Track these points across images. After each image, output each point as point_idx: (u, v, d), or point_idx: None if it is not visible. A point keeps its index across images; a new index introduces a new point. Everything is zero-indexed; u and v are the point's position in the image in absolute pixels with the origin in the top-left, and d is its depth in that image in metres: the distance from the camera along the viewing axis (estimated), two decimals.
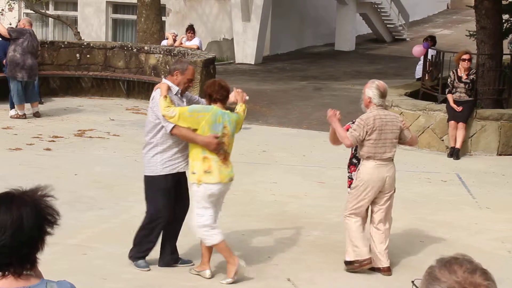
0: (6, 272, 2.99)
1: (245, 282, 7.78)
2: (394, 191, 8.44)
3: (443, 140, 14.33)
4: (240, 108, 8.05)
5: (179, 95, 7.89)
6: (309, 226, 9.59)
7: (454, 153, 13.89)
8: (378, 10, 33.30)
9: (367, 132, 8.04)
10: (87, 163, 12.23)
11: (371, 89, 8.14)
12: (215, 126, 7.64)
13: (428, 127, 14.47)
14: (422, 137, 14.51)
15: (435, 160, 13.70)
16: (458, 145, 13.93)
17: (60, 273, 7.46)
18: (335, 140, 8.42)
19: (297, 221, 9.83)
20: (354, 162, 8.61)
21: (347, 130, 8.24)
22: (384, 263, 8.17)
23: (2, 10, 25.97)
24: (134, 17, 26.24)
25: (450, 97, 14.16)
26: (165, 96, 7.59)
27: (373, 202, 8.31)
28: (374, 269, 8.20)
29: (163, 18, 25.11)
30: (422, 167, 13.06)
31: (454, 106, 14.01)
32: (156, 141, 7.72)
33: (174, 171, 7.81)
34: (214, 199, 7.70)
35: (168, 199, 7.82)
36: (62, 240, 8.57)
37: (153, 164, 7.75)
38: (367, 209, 8.38)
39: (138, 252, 8.01)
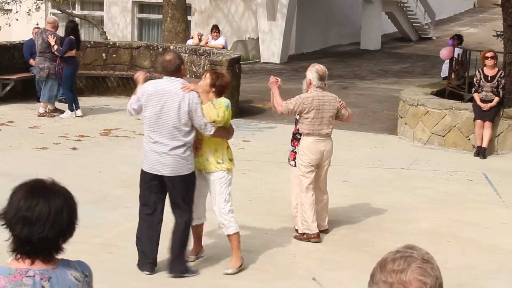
0: (36, 260, 3.06)
1: (270, 281, 7.79)
2: (329, 165, 9.24)
3: (469, 139, 14.25)
4: None
5: None
6: (335, 225, 9.57)
7: (481, 152, 13.80)
8: (404, 8, 33.17)
9: (302, 110, 8.82)
10: (113, 162, 12.29)
11: (311, 72, 9.00)
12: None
13: (454, 126, 14.38)
14: (448, 136, 14.44)
15: (462, 159, 13.62)
16: (484, 144, 13.84)
17: None
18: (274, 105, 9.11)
19: None
20: (298, 137, 9.20)
21: None
22: (324, 225, 9.23)
23: (29, 10, 26.14)
24: (159, 16, 26.32)
25: (476, 96, 14.08)
26: (211, 102, 7.69)
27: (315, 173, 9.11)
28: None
29: (189, 18, 25.17)
30: (448, 166, 12.99)
31: (481, 104, 13.93)
32: (191, 140, 7.71)
33: None
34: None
35: None
36: (88, 239, 8.62)
37: (190, 162, 7.70)
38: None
39: (185, 260, 7.90)
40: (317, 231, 8.92)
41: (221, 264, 8.09)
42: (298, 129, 9.24)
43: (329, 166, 9.26)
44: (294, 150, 9.30)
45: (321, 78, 8.98)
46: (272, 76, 9.10)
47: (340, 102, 9.12)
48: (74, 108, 16.15)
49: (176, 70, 7.69)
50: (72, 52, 15.87)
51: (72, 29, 16.20)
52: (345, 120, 9.44)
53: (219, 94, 7.84)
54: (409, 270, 2.42)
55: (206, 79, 7.85)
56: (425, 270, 2.44)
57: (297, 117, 9.07)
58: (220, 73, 8.03)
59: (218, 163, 7.82)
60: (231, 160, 7.92)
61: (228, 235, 7.92)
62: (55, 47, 15.67)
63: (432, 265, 2.49)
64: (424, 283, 2.42)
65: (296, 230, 9.19)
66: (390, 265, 2.45)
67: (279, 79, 9.03)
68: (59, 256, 3.15)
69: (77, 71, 16.41)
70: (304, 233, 8.99)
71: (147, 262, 7.80)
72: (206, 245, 8.46)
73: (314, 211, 8.96)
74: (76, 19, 28.23)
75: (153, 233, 7.83)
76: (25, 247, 3.05)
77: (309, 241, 8.94)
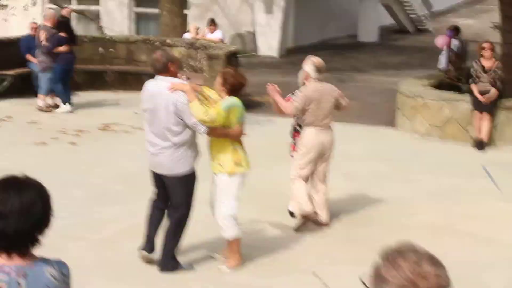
0: (12, 254, 3.07)
1: (270, 275, 7.80)
2: (331, 156, 9.38)
3: (467, 131, 14.24)
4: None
5: None
6: (334, 219, 9.58)
7: (479, 144, 13.81)
8: (401, 0, 33.14)
9: (306, 103, 8.98)
10: (111, 156, 12.29)
11: (308, 65, 9.21)
12: (242, 117, 7.81)
13: (453, 118, 14.38)
14: (446, 128, 14.43)
15: (460, 151, 13.61)
16: (483, 136, 13.85)
17: (87, 268, 7.52)
18: (279, 110, 9.16)
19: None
20: (297, 129, 9.43)
21: (288, 100, 9.18)
22: (323, 219, 9.29)
23: (26, 5, 26.07)
24: (156, 10, 26.27)
25: (474, 88, 14.07)
26: (198, 100, 7.55)
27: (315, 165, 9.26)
28: (317, 223, 9.27)
29: (185, 11, 25.13)
30: (446, 159, 13.00)
31: (479, 96, 13.93)
32: (185, 139, 7.63)
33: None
34: (241, 189, 7.87)
35: None
36: (89, 235, 8.64)
37: (186, 160, 7.65)
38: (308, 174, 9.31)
39: (175, 257, 7.88)
40: (311, 207, 9.09)
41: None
42: (297, 122, 9.37)
43: (329, 160, 9.34)
44: (294, 142, 9.45)
45: (319, 70, 9.18)
46: (268, 84, 9.14)
47: (337, 91, 9.35)
48: (69, 101, 16.14)
49: (163, 69, 7.63)
50: (61, 48, 15.81)
51: (63, 24, 16.14)
52: (343, 109, 9.54)
53: (229, 93, 7.75)
54: (424, 263, 2.44)
55: (218, 79, 7.86)
56: (437, 261, 2.47)
57: None
58: (231, 72, 7.95)
59: (220, 165, 7.77)
60: (237, 163, 7.78)
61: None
62: (42, 43, 15.77)
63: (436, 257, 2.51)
64: (437, 275, 2.44)
65: (291, 213, 9.38)
66: (404, 262, 2.44)
67: (276, 85, 9.06)
68: (37, 251, 3.16)
69: (69, 66, 16.19)
70: (301, 215, 9.17)
71: (147, 245, 7.90)
72: (207, 242, 8.46)
73: (307, 195, 9.14)
74: (73, 13, 28.21)
75: (156, 220, 7.95)
76: (0, 242, 3.06)
77: (308, 221, 9.16)
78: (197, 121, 7.47)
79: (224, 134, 7.74)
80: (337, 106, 9.30)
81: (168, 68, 7.63)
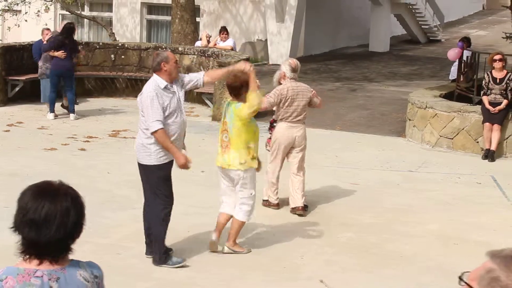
0: (44, 259, 3.05)
1: (277, 282, 7.79)
2: (305, 148, 10.11)
3: (478, 142, 14.21)
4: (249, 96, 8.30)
5: (169, 86, 7.89)
6: (342, 227, 9.57)
7: (489, 155, 13.77)
8: (413, 11, 33.13)
9: (281, 100, 9.75)
10: (121, 163, 12.30)
11: (285, 65, 9.99)
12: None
13: (463, 129, 14.35)
14: (456, 139, 14.41)
15: (470, 162, 13.59)
16: (493, 147, 13.81)
17: None
18: None
19: (330, 222, 9.81)
20: (274, 125, 10.16)
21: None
22: (299, 203, 9.91)
23: (38, 11, 26.19)
24: (168, 18, 26.35)
25: (485, 99, 14.05)
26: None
27: (289, 156, 10.07)
28: (293, 209, 9.97)
29: (197, 19, 25.18)
30: (456, 169, 12.97)
31: (490, 107, 13.90)
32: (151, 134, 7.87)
33: (167, 161, 7.94)
34: (220, 178, 8.44)
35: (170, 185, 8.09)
36: (96, 239, 8.63)
37: (150, 154, 7.83)
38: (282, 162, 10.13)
39: (163, 249, 8.03)
40: (276, 202, 10.12)
41: (228, 266, 8.10)
42: (274, 119, 10.14)
43: (304, 151, 10.07)
44: (271, 137, 10.20)
45: (294, 70, 9.92)
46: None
47: (312, 91, 10.04)
48: (73, 109, 16.12)
49: (156, 68, 7.90)
50: (56, 53, 15.63)
51: (71, 31, 16.11)
52: (317, 107, 10.30)
53: (234, 97, 8.29)
54: None
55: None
56: None
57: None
58: (230, 76, 8.29)
59: None
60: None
61: None
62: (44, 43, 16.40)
63: None
64: None
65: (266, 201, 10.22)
66: None
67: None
68: (69, 257, 3.15)
69: (57, 72, 15.77)
70: (267, 200, 10.16)
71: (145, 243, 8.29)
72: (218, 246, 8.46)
73: (275, 187, 10.07)
74: (85, 20, 28.30)
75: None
76: (32, 249, 3.05)
77: (269, 207, 10.10)
78: (149, 123, 7.67)
79: (166, 147, 7.80)
80: (311, 104, 10.00)
81: (161, 67, 7.83)
